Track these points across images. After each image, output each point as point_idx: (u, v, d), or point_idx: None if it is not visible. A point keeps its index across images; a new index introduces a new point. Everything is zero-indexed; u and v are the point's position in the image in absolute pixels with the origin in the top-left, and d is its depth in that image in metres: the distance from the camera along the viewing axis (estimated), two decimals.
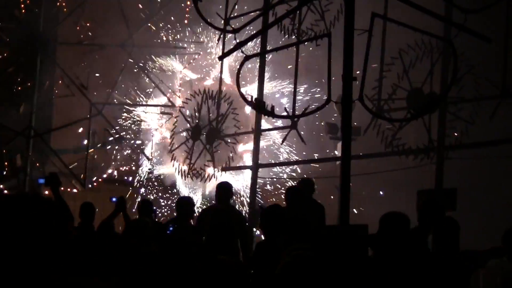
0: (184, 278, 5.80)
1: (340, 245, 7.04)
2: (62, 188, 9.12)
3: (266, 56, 13.76)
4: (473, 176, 16.16)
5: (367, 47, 8.70)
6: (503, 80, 10.51)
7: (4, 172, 17.60)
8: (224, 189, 11.11)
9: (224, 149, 13.74)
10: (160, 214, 17.30)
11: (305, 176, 16.79)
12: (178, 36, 18.48)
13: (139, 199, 18.17)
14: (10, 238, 2.62)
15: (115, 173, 19.16)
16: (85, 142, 17.31)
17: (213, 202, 12.46)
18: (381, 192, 17.14)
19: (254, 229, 13.31)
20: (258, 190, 16.15)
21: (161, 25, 18.43)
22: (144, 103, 18.25)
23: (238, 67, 9.64)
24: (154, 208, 12.03)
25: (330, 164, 17.78)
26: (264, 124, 14.35)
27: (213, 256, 4.52)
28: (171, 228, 10.26)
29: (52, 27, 18.04)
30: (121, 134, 17.70)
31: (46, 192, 15.27)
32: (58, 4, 18.37)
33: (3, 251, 2.61)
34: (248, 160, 16.54)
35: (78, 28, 18.06)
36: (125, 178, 19.09)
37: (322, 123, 17.38)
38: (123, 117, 18.12)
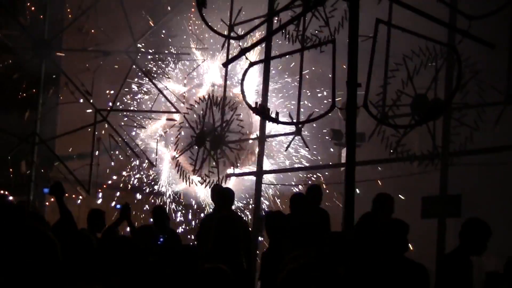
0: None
1: (345, 251, 7.03)
2: (66, 195, 9.11)
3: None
4: (478, 182, 16.14)
5: (371, 53, 8.70)
6: (508, 86, 10.49)
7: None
8: (226, 195, 11.11)
9: (228, 155, 13.74)
10: None
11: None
12: (183, 42, 18.54)
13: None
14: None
15: (121, 179, 19.20)
16: (90, 148, 17.30)
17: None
18: None
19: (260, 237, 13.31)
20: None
21: (163, 32, 18.49)
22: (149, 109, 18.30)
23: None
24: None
25: (334, 171, 17.80)
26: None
27: (201, 265, 4.54)
28: (161, 239, 10.26)
29: (56, 34, 18.08)
30: (126, 140, 17.71)
31: (52, 199, 15.31)
32: (62, 10, 18.42)
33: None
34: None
35: (82, 33, 18.08)
36: (130, 184, 19.12)
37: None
38: (128, 124, 18.17)
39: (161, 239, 10.18)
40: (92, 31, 18.05)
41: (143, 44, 18.09)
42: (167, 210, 15.80)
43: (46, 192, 12.78)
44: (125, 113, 18.40)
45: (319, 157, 18.16)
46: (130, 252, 3.39)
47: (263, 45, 13.06)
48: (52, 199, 14.02)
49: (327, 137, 17.90)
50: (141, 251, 3.22)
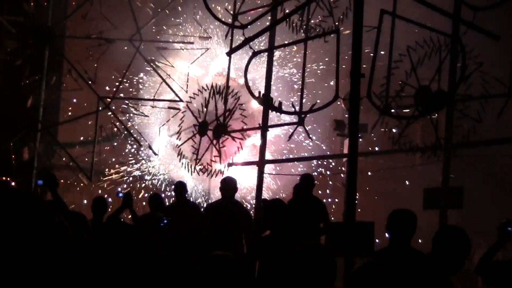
0: (183, 275, 5.82)
1: (346, 241, 7.05)
2: (68, 182, 9.15)
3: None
4: (480, 174, 16.14)
5: (375, 44, 8.69)
6: (511, 78, 10.47)
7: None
8: (228, 184, 11.17)
9: (231, 144, 13.73)
10: None
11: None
12: (183, 27, 18.51)
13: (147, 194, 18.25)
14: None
15: (122, 167, 19.20)
16: (93, 136, 17.33)
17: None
18: None
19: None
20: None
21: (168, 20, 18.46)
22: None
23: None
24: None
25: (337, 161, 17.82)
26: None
27: (209, 251, 4.58)
28: (165, 221, 10.33)
29: (60, 21, 18.06)
30: (128, 128, 17.73)
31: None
32: None
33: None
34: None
35: (86, 18, 18.01)
36: (132, 172, 19.13)
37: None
38: (130, 112, 18.19)
39: (165, 221, 10.22)
40: (96, 18, 17.99)
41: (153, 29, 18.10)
42: None
43: (40, 183, 12.78)
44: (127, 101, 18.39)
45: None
46: (134, 239, 3.39)
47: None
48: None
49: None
50: (146, 239, 3.22)
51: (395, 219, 6.45)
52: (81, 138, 18.83)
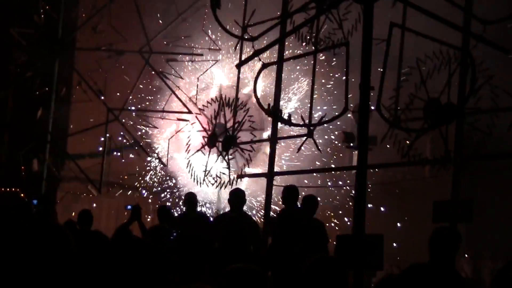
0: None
1: (355, 254, 7.02)
2: (78, 193, 9.19)
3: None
4: (490, 187, 16.08)
5: (385, 56, 8.68)
6: None
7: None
8: (237, 196, 11.17)
9: (240, 156, 13.74)
10: None
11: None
12: (195, 43, 18.54)
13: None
14: None
15: (130, 178, 19.21)
16: (102, 147, 17.37)
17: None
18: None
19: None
20: None
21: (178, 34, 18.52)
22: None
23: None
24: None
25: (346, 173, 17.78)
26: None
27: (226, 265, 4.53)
28: (174, 234, 10.37)
29: (70, 33, 18.14)
30: (138, 140, 17.76)
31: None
32: (77, 10, 18.49)
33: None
34: None
35: (96, 30, 18.08)
36: (141, 183, 19.14)
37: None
38: (140, 124, 18.23)
39: (174, 234, 10.26)
40: (106, 30, 18.06)
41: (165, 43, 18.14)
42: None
43: (35, 203, 12.88)
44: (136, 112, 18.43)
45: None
46: (145, 252, 3.39)
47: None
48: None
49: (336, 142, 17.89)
50: (156, 251, 3.21)
51: (438, 237, 6.39)
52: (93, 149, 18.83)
